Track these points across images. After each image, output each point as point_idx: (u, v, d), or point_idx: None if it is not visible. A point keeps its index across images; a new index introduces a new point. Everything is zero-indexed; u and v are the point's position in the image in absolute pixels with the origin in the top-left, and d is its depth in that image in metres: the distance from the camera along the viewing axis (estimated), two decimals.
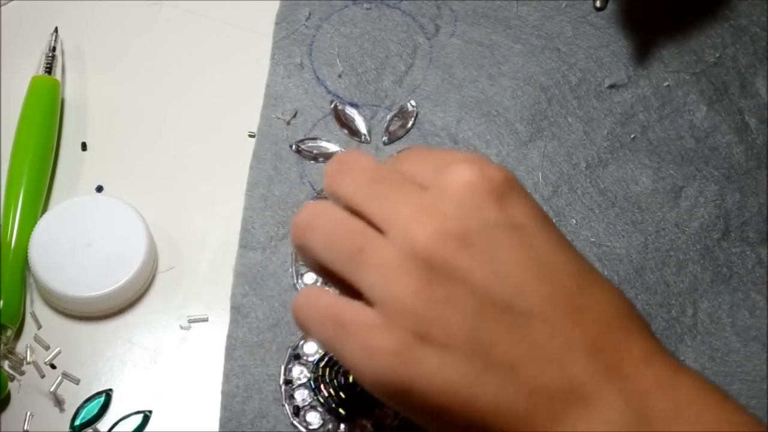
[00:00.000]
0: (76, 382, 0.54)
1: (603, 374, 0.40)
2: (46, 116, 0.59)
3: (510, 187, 0.42)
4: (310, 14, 0.63)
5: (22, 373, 0.54)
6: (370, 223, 0.43)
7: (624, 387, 0.40)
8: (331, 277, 0.44)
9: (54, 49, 0.61)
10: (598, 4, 0.58)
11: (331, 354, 0.44)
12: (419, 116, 0.60)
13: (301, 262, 0.56)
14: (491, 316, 0.40)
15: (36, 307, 0.56)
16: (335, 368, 0.53)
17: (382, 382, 0.41)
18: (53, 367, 0.54)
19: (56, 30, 0.62)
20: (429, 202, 0.42)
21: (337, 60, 0.62)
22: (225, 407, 0.53)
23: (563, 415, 0.40)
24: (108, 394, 0.53)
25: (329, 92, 0.61)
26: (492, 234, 0.41)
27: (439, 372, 0.40)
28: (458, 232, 0.41)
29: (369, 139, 0.60)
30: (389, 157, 0.46)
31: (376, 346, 0.41)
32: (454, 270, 0.41)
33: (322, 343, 0.44)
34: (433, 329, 0.40)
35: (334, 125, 0.60)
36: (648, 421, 0.40)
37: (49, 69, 0.60)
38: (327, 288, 0.46)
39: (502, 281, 0.41)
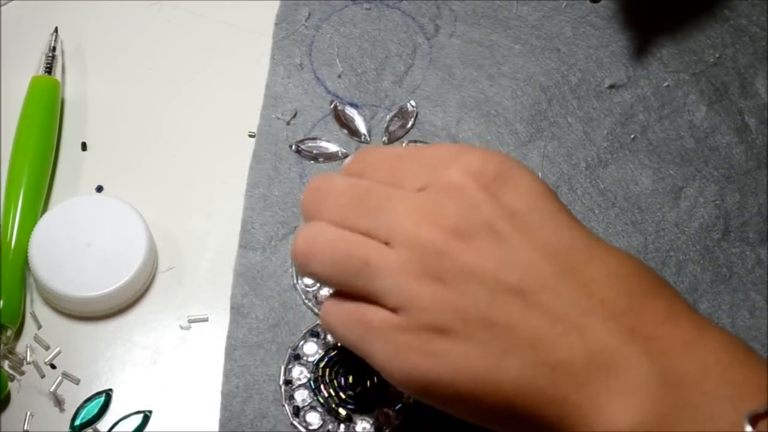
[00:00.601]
0: (76, 382, 0.54)
1: (625, 338, 0.40)
2: (46, 116, 0.59)
3: (500, 176, 0.43)
4: (309, 14, 0.63)
5: (22, 373, 0.54)
6: (368, 236, 0.44)
7: (647, 348, 0.40)
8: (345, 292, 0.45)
9: (54, 49, 0.61)
10: None
11: (362, 357, 0.44)
12: (419, 116, 0.60)
13: None
14: (505, 301, 0.41)
15: (36, 307, 0.56)
16: (335, 368, 0.53)
17: (409, 378, 0.42)
18: (53, 367, 0.54)
19: (56, 30, 0.62)
20: (427, 206, 0.43)
21: (337, 60, 0.62)
22: (225, 407, 0.53)
23: (588, 384, 0.40)
24: (108, 394, 0.53)
25: (329, 92, 0.61)
26: (492, 225, 0.42)
27: (461, 361, 0.41)
28: (460, 229, 0.42)
29: (369, 139, 0.60)
30: (350, 163, 0.47)
31: (399, 345, 0.42)
32: (463, 266, 0.42)
33: (351, 347, 0.45)
34: (450, 323, 0.41)
35: (333, 125, 0.60)
36: (675, 380, 0.39)
37: (49, 69, 0.60)
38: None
39: (510, 267, 0.41)
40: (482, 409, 0.42)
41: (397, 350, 0.42)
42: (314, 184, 0.46)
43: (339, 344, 0.54)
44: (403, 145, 0.59)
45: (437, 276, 0.42)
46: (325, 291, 0.55)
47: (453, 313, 0.42)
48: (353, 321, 0.44)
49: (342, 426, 0.52)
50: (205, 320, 0.56)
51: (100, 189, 0.59)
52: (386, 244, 0.43)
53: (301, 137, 0.60)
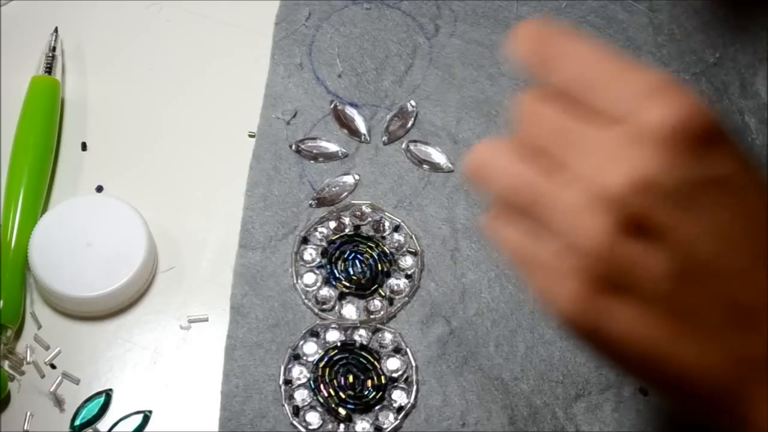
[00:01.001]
0: (76, 382, 0.54)
1: None
2: (46, 116, 0.59)
3: (717, 133, 0.37)
4: (309, 14, 0.63)
5: (22, 373, 0.54)
6: (552, 165, 0.39)
7: None
8: None
9: (54, 49, 0.61)
10: None
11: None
12: (419, 116, 0.60)
13: (301, 263, 0.56)
14: (694, 277, 0.37)
15: (36, 307, 0.56)
16: (335, 368, 0.53)
17: (569, 319, 0.39)
18: (53, 367, 0.54)
19: (56, 30, 0.62)
20: (624, 142, 0.37)
21: (337, 60, 0.62)
22: (224, 407, 0.53)
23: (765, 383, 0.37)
24: (108, 394, 0.53)
25: (329, 92, 0.61)
26: (696, 187, 0.37)
27: (633, 324, 0.38)
28: (658, 182, 0.37)
29: (369, 139, 0.60)
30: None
31: (566, 290, 0.38)
32: (653, 223, 0.37)
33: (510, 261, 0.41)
34: (627, 281, 0.38)
35: (333, 125, 0.60)
36: None
37: (49, 69, 0.60)
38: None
39: (707, 240, 0.37)
40: (638, 372, 0.40)
41: (562, 293, 0.38)
42: (533, 94, 0.41)
43: (339, 344, 0.54)
44: (403, 145, 0.59)
45: (621, 225, 0.37)
46: (325, 291, 0.55)
47: (632, 273, 0.37)
48: (519, 247, 0.40)
49: (342, 426, 0.52)
50: (205, 320, 0.56)
51: (100, 189, 0.59)
52: (568, 180, 0.38)
53: (301, 137, 0.59)
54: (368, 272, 0.56)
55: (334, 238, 0.57)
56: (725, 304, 0.38)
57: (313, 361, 0.54)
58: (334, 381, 0.53)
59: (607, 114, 0.38)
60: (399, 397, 0.53)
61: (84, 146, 0.60)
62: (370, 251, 0.56)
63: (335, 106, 0.60)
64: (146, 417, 0.53)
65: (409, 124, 0.60)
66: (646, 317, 0.38)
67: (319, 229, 0.57)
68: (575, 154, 0.39)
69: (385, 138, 0.60)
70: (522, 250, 0.40)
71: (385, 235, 0.57)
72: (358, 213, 0.58)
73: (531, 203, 0.39)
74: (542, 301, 0.40)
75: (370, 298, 0.55)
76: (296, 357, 0.54)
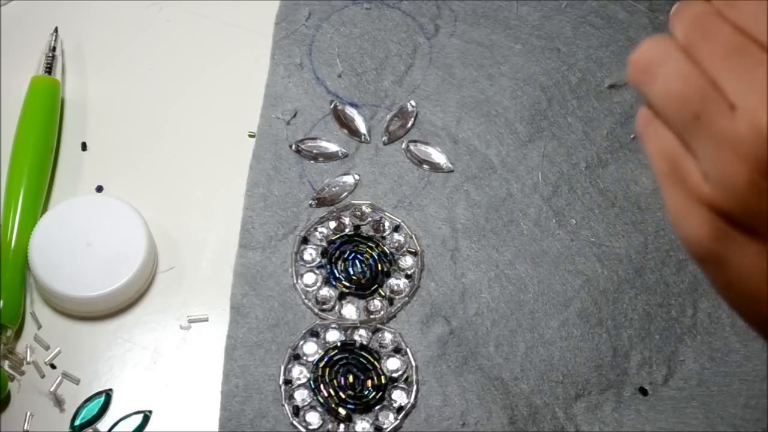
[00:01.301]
0: (76, 382, 0.54)
1: None
2: (46, 116, 0.59)
3: None
4: (309, 14, 0.63)
5: (22, 373, 0.54)
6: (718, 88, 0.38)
7: None
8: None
9: (54, 49, 0.61)
10: None
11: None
12: (419, 116, 0.60)
13: (301, 263, 0.56)
14: None
15: (36, 307, 0.56)
16: (335, 368, 0.53)
17: (695, 242, 0.39)
18: (53, 367, 0.54)
19: (56, 30, 0.62)
20: None
21: (337, 60, 0.62)
22: (224, 407, 0.53)
23: None
24: (108, 394, 0.53)
25: (329, 92, 0.61)
26: None
27: (758, 262, 0.38)
28: None
29: (369, 139, 0.60)
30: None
31: (698, 212, 0.38)
32: None
33: (652, 164, 0.41)
34: (757, 222, 0.37)
35: (333, 125, 0.60)
36: None
37: (49, 69, 0.60)
38: None
39: None
40: (748, 314, 0.40)
41: (695, 215, 0.38)
42: (703, 13, 0.39)
43: (339, 344, 0.54)
44: (403, 145, 0.59)
45: (765, 169, 0.36)
46: (325, 291, 0.55)
47: (763, 215, 0.37)
48: (666, 156, 0.39)
49: (342, 426, 0.52)
50: (205, 320, 0.56)
51: (100, 189, 0.59)
52: (736, 108, 0.37)
53: (301, 137, 0.60)
54: (368, 272, 0.56)
55: (334, 238, 0.57)
56: None
57: (313, 361, 0.54)
58: (334, 381, 0.53)
59: None
60: (399, 397, 0.53)
61: (84, 146, 0.60)
62: (370, 251, 0.56)
63: (335, 106, 0.60)
64: (146, 417, 0.53)
65: (409, 124, 0.60)
66: None
67: (319, 229, 0.57)
68: (748, 84, 0.37)
69: (385, 138, 0.60)
70: (673, 159, 0.39)
71: (385, 235, 0.57)
72: (358, 213, 0.58)
73: (694, 117, 0.38)
74: (674, 218, 0.39)
75: (370, 298, 0.55)
76: (296, 357, 0.54)
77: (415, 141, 0.59)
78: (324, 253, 0.56)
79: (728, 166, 0.37)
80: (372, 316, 0.55)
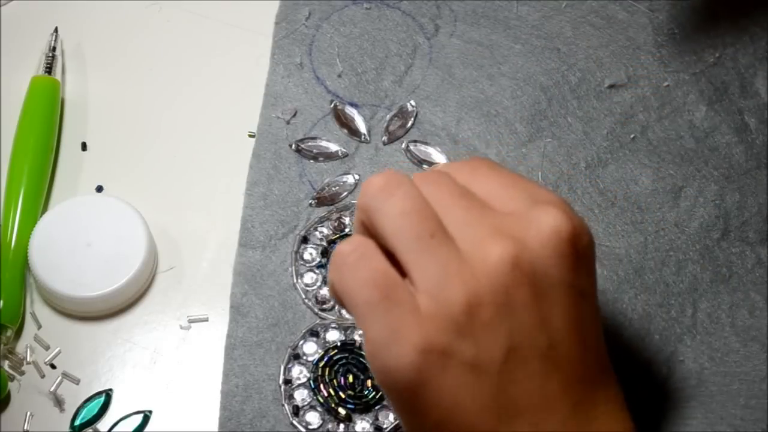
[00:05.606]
0: (76, 382, 0.54)
1: None
2: (46, 116, 0.59)
3: (589, 252, 0.43)
4: (309, 14, 0.63)
5: (22, 373, 0.54)
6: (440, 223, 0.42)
7: None
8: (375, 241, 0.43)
9: (54, 49, 0.61)
10: None
11: (350, 315, 0.44)
12: (419, 116, 0.60)
13: (301, 262, 0.56)
14: (524, 357, 0.41)
15: (36, 307, 0.56)
16: (335, 368, 0.53)
17: (398, 371, 0.40)
18: (53, 367, 0.54)
19: (56, 30, 0.62)
20: (512, 228, 0.41)
21: (337, 60, 0.62)
22: (224, 407, 0.53)
23: None
24: (108, 394, 0.54)
25: (329, 92, 0.61)
26: (559, 287, 0.41)
27: (454, 389, 0.40)
28: (530, 269, 0.41)
29: (369, 138, 0.60)
30: (473, 164, 0.46)
31: (409, 337, 0.40)
32: (510, 301, 0.40)
33: (354, 299, 0.42)
34: (466, 347, 0.40)
35: (333, 125, 0.60)
36: None
37: (49, 69, 0.60)
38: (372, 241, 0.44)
39: (546, 331, 0.41)
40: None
41: (404, 339, 0.40)
42: (435, 170, 0.45)
43: (339, 344, 0.54)
44: (403, 145, 0.59)
45: (480, 294, 0.40)
46: (325, 291, 0.55)
47: (473, 340, 0.40)
48: (377, 286, 0.41)
49: (341, 426, 0.52)
50: (205, 320, 0.56)
51: (100, 189, 0.59)
52: (446, 242, 0.41)
53: (301, 136, 0.60)
54: None
55: (334, 237, 0.57)
56: (538, 389, 0.41)
57: (312, 361, 0.54)
58: (334, 381, 0.53)
59: (499, 209, 0.42)
60: None
61: (84, 146, 0.60)
62: None
63: (335, 105, 0.60)
64: (146, 417, 0.53)
65: (409, 124, 0.60)
66: (470, 384, 0.40)
67: (319, 229, 0.57)
68: (468, 225, 0.41)
69: (385, 138, 0.60)
70: (386, 285, 0.41)
71: None
72: None
73: (430, 235, 0.41)
74: (377, 349, 0.41)
75: None
76: (296, 357, 0.54)
77: (415, 141, 0.59)
78: (324, 253, 0.56)
79: (450, 287, 0.40)
80: None
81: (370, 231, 0.43)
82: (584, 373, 0.42)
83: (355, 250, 0.42)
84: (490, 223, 0.41)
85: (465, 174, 0.44)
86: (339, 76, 0.61)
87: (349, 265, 0.42)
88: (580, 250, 0.42)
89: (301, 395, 0.53)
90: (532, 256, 0.41)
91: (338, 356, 0.54)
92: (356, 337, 0.54)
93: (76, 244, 0.55)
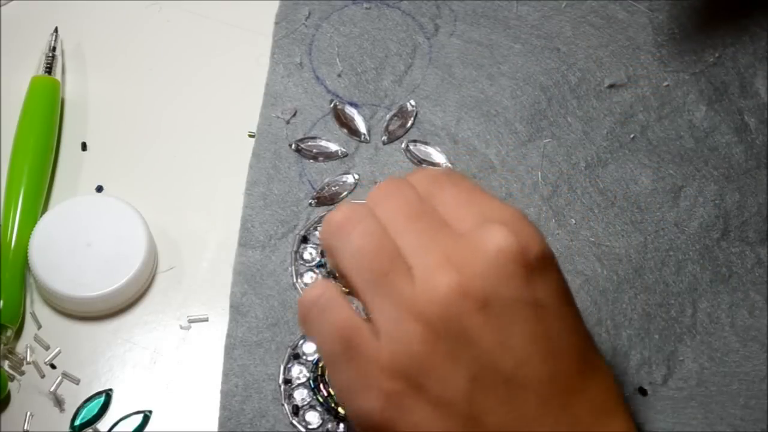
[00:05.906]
0: (76, 382, 0.54)
1: None
2: (46, 116, 0.59)
3: (543, 263, 0.42)
4: (309, 14, 0.63)
5: (22, 373, 0.54)
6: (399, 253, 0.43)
7: None
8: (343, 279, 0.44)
9: (54, 49, 0.61)
10: None
11: (321, 364, 0.44)
12: (419, 116, 0.60)
13: (300, 262, 0.56)
14: (490, 384, 0.40)
15: (36, 307, 0.56)
16: None
17: (366, 416, 0.41)
18: (53, 367, 0.54)
19: (56, 30, 0.62)
20: (459, 254, 0.41)
21: (337, 59, 0.62)
22: (224, 407, 0.53)
23: None
24: (108, 394, 0.54)
25: (329, 91, 0.61)
26: (512, 306, 0.41)
27: (425, 425, 0.40)
28: (479, 295, 0.41)
29: (368, 138, 0.60)
30: (434, 176, 0.45)
31: (372, 383, 0.41)
32: (465, 330, 0.40)
33: (321, 350, 0.44)
34: (430, 382, 0.40)
35: (333, 124, 0.60)
36: None
37: (49, 69, 0.60)
38: (334, 284, 0.45)
39: (508, 353, 0.40)
40: None
41: (370, 386, 0.41)
42: (392, 181, 0.45)
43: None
44: (403, 145, 0.59)
45: (436, 328, 0.40)
46: None
47: (435, 374, 0.40)
48: (340, 336, 0.42)
49: (341, 425, 0.52)
50: (205, 320, 0.56)
51: (100, 189, 0.59)
52: (409, 267, 0.42)
53: (301, 136, 0.60)
54: None
55: None
56: (511, 411, 0.40)
57: (312, 361, 0.54)
58: None
59: (454, 227, 0.42)
60: None
61: (84, 146, 0.60)
62: None
63: (335, 105, 0.60)
64: (146, 417, 0.53)
65: (409, 124, 0.60)
66: (439, 418, 0.40)
67: (319, 228, 0.57)
68: (419, 252, 0.42)
69: (384, 137, 0.60)
70: (349, 334, 0.42)
71: None
72: None
73: (383, 274, 0.41)
74: (346, 397, 0.42)
75: None
76: (296, 356, 0.54)
77: (414, 141, 0.59)
78: (324, 253, 0.56)
79: (404, 326, 0.41)
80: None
81: (336, 268, 0.44)
82: (561, 384, 0.41)
83: (318, 299, 0.44)
84: (441, 250, 0.41)
85: (426, 185, 0.45)
86: (339, 75, 0.61)
87: (312, 318, 0.44)
88: (531, 262, 0.41)
89: (301, 395, 0.53)
90: (481, 281, 0.41)
91: None
92: None
93: (76, 244, 0.55)
